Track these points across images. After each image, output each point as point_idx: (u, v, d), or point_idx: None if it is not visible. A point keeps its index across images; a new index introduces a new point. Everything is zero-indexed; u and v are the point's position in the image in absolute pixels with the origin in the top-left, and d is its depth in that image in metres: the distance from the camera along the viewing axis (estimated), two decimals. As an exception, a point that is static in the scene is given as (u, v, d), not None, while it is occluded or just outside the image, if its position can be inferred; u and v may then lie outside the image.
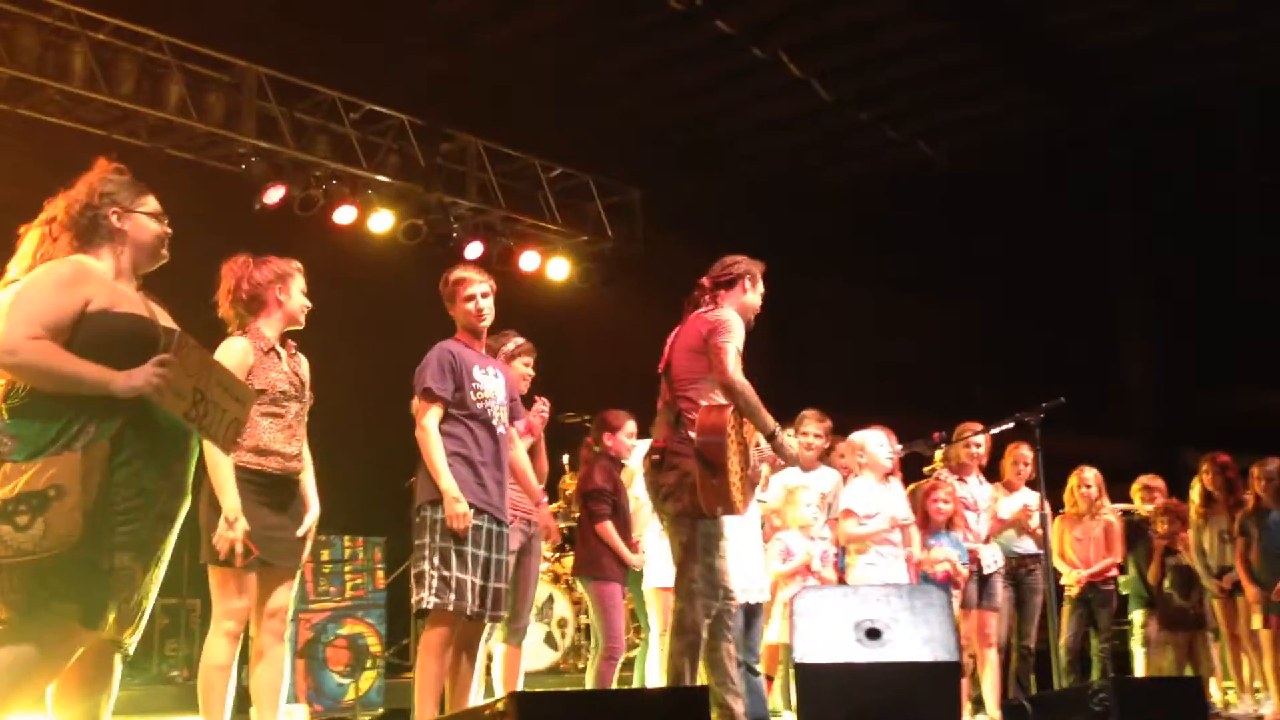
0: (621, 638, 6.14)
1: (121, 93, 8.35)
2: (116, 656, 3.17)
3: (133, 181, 3.34)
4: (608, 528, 6.12)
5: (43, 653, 2.97)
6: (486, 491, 4.66)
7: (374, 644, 6.65)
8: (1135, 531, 8.00)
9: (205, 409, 3.12)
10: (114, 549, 3.01)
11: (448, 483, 4.55)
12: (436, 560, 4.53)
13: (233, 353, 4.27)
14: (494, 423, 4.77)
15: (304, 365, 4.57)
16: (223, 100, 8.83)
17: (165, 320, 3.32)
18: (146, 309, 3.24)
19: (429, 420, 4.65)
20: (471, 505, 4.58)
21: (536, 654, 7.65)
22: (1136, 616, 7.94)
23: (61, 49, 8.12)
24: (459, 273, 4.91)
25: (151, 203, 3.34)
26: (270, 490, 4.30)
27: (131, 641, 3.15)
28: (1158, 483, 8.13)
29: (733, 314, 4.98)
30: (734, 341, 4.86)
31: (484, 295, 4.84)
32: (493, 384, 4.82)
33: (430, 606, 4.53)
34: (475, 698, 4.79)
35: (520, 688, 5.70)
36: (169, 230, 3.37)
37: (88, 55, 8.15)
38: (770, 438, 4.92)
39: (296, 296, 4.48)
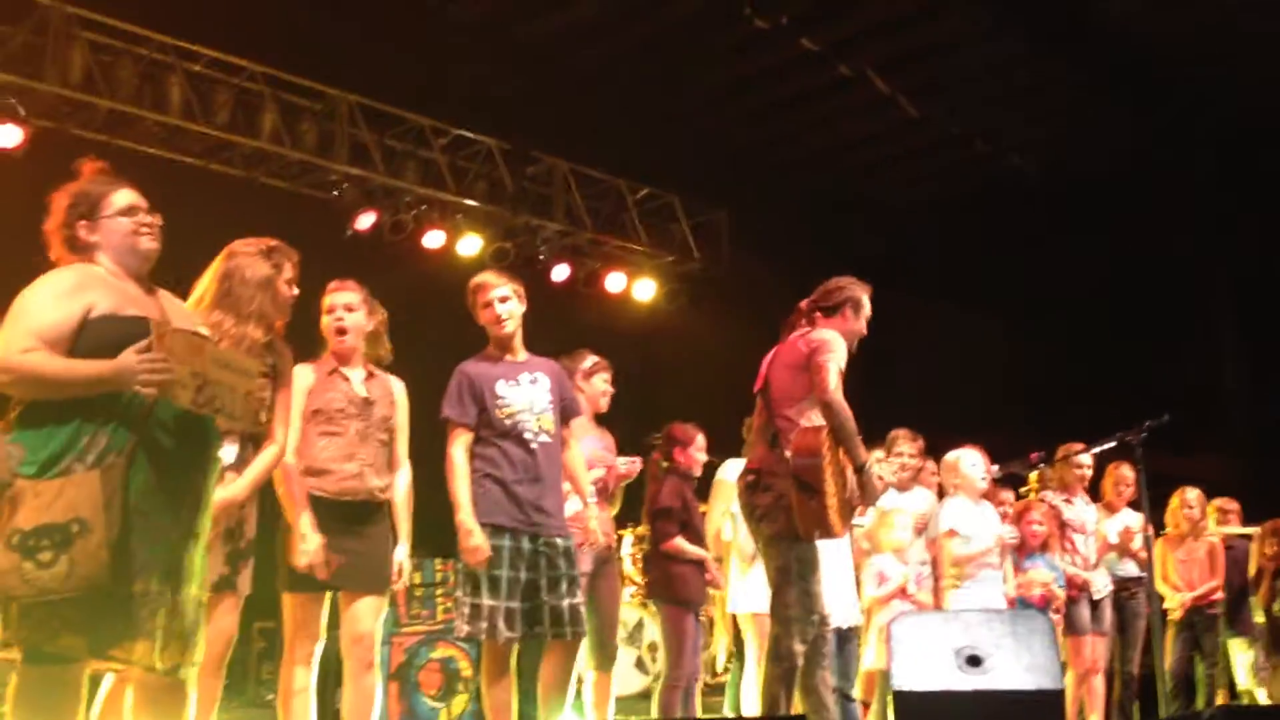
0: (688, 664, 5.93)
1: (217, 123, 8.54)
2: (188, 686, 3.10)
3: (98, 182, 3.23)
4: (679, 543, 5.95)
5: (50, 685, 2.91)
6: (522, 510, 4.50)
7: (465, 668, 6.65)
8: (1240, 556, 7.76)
9: (212, 392, 3.03)
10: (135, 575, 2.93)
11: (463, 515, 4.44)
12: (468, 587, 4.47)
13: (295, 377, 4.23)
14: (528, 435, 4.58)
15: (383, 385, 4.50)
16: (315, 128, 8.99)
17: (183, 315, 3.26)
18: (158, 308, 3.16)
19: (453, 449, 4.53)
20: (505, 527, 4.47)
21: (627, 679, 7.60)
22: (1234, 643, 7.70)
23: (159, 80, 8.33)
24: (477, 279, 4.76)
25: (118, 200, 3.20)
26: (333, 511, 4.24)
27: (189, 667, 3.07)
28: (1232, 505, 7.88)
29: (836, 335, 4.87)
30: (837, 361, 4.74)
31: (502, 300, 4.66)
32: (524, 394, 4.62)
33: (462, 635, 4.53)
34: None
35: (611, 715, 5.65)
36: (147, 219, 3.22)
37: (184, 86, 8.34)
38: (859, 470, 4.78)
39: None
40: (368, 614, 4.31)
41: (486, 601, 4.41)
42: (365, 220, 9.12)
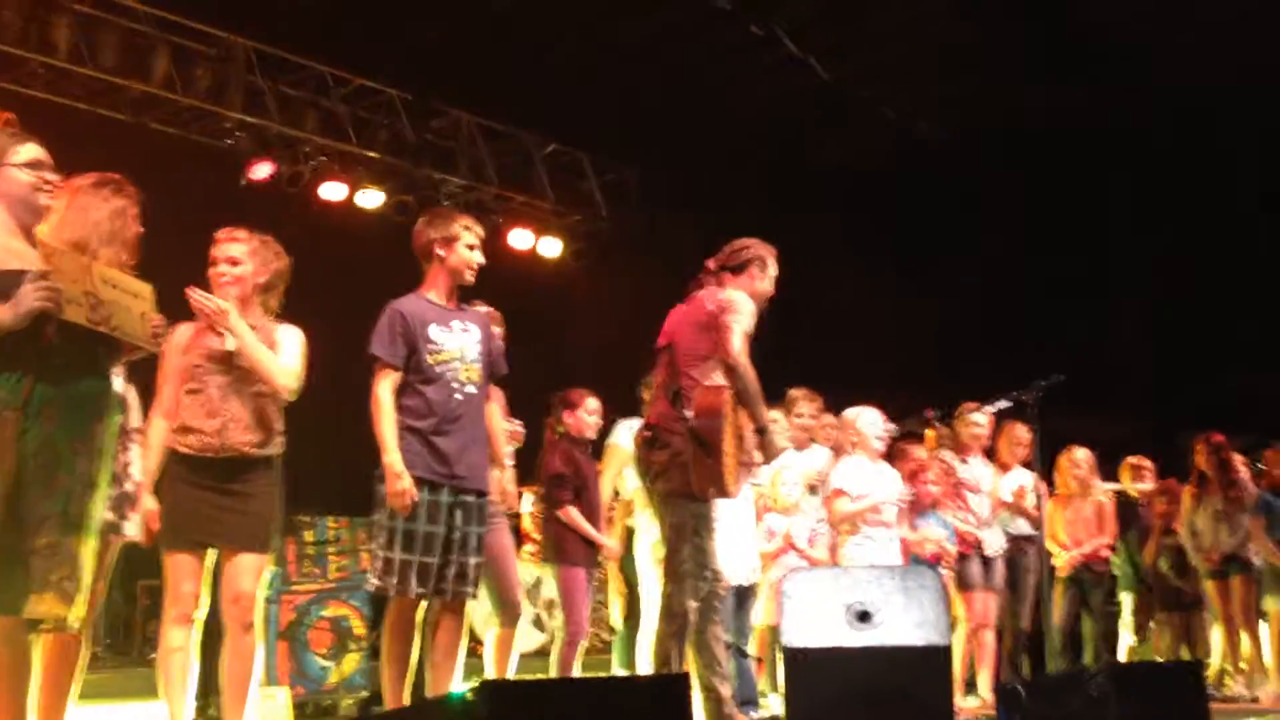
0: (583, 623, 5.96)
1: (105, 66, 8.24)
2: (84, 639, 3.07)
3: (3, 133, 3.20)
4: (570, 513, 5.92)
5: None
6: (445, 462, 4.36)
7: (358, 626, 6.56)
8: (1126, 513, 7.92)
9: (107, 311, 3.01)
10: (37, 527, 2.87)
11: (391, 456, 4.27)
12: (382, 539, 4.34)
13: (171, 336, 4.13)
14: (456, 384, 4.43)
15: (265, 336, 4.26)
16: (209, 74, 8.74)
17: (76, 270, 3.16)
18: (45, 261, 3.07)
19: (380, 389, 4.35)
20: (424, 479, 4.33)
21: (524, 636, 7.55)
22: (1125, 599, 7.88)
23: (44, 22, 8.01)
24: (464, 219, 4.62)
25: (24, 153, 3.17)
26: (202, 468, 4.12)
27: (76, 620, 3.02)
28: (1146, 463, 8.03)
29: (744, 295, 4.83)
30: (743, 323, 4.71)
31: (477, 248, 4.57)
32: (457, 340, 4.48)
33: (370, 589, 4.42)
34: (458, 681, 4.68)
35: (513, 672, 5.60)
36: (50, 177, 3.20)
37: (71, 27, 8.04)
38: (760, 432, 4.78)
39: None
40: (245, 573, 4.16)
41: (400, 555, 4.29)
42: (261, 170, 8.91)
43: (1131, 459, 8.09)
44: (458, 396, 4.44)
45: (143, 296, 3.18)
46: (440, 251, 4.55)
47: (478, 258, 4.59)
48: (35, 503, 2.87)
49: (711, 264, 5.03)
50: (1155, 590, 7.73)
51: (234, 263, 4.30)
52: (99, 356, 3.14)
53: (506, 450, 5.00)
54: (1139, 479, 7.95)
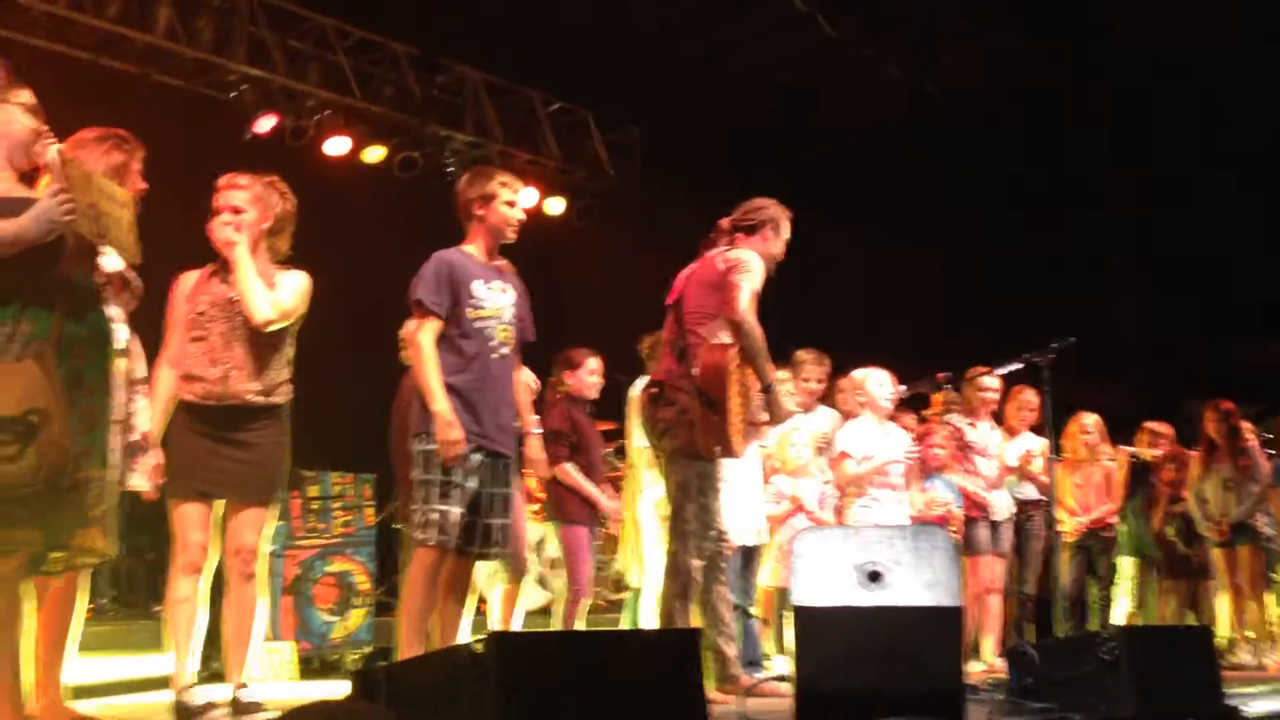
0: (585, 582, 6.01)
1: (109, 15, 8.13)
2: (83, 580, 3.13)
3: (7, 73, 3.26)
4: (567, 469, 5.93)
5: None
6: (479, 422, 4.30)
7: (363, 582, 6.55)
8: (1136, 478, 7.88)
9: (106, 224, 3.01)
10: (80, 462, 2.89)
11: (440, 404, 4.18)
12: (421, 494, 4.27)
13: (177, 284, 4.19)
14: (493, 343, 4.37)
15: (270, 281, 4.23)
16: (213, 25, 8.61)
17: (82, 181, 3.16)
18: (60, 170, 3.09)
19: (423, 337, 4.28)
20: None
21: (528, 594, 7.55)
22: (1124, 564, 7.85)
23: (45, -30, 7.89)
24: (502, 175, 4.55)
25: (25, 95, 3.20)
26: (206, 417, 4.10)
27: (114, 548, 3.08)
28: (1164, 428, 7.97)
29: (754, 255, 4.80)
30: (751, 282, 4.68)
31: (516, 205, 4.51)
32: (497, 299, 4.42)
33: (431, 541, 4.26)
34: (465, 635, 4.66)
35: (518, 627, 5.60)
36: (45, 129, 3.22)
37: (73, -26, 7.93)
38: (766, 389, 4.74)
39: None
40: (247, 525, 4.15)
41: (439, 507, 4.20)
42: (265, 124, 8.82)
43: (1150, 424, 8.00)
44: (493, 356, 4.39)
45: (127, 206, 3.17)
46: (479, 211, 4.48)
47: (517, 214, 4.52)
48: (77, 436, 2.89)
49: (725, 222, 5.01)
50: (1163, 557, 7.71)
51: (237, 211, 4.24)
52: (96, 285, 3.18)
53: (532, 419, 4.96)
54: (1156, 444, 7.88)
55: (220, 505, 4.18)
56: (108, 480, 3.04)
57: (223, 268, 4.24)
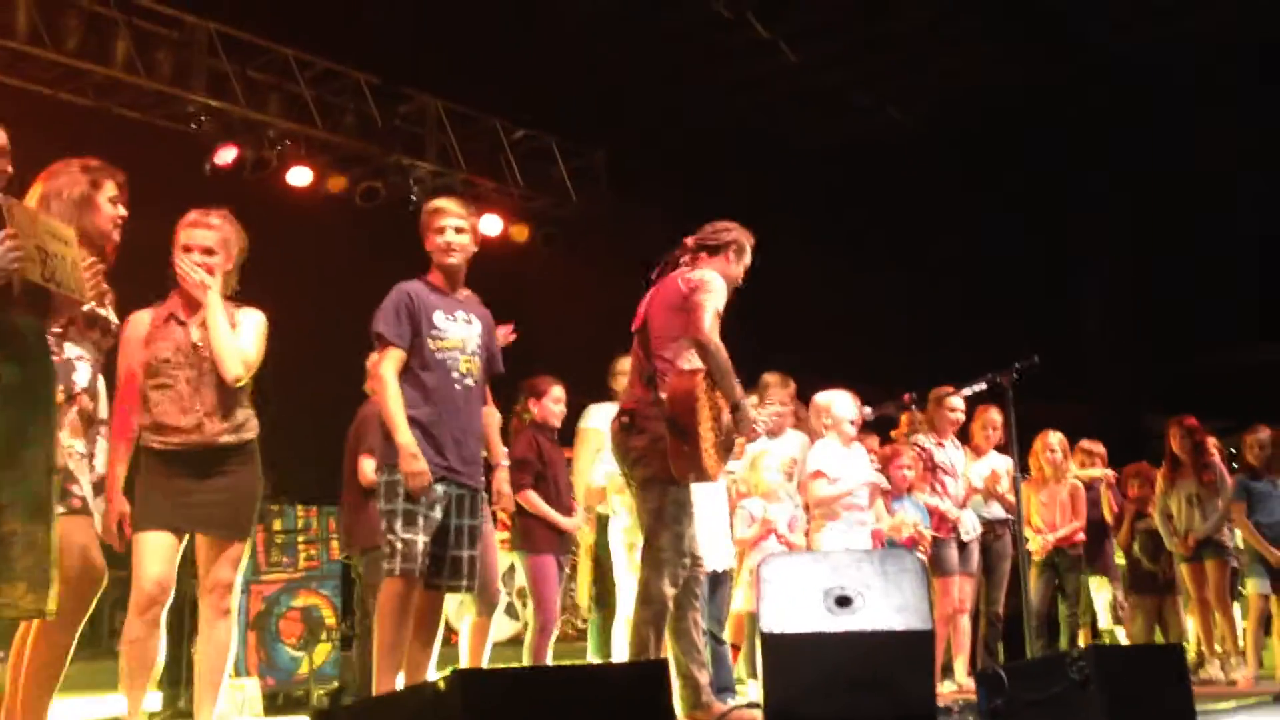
0: (553, 611, 5.98)
1: (66, 49, 8.08)
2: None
3: None
4: (530, 496, 5.90)
5: None
6: (443, 455, 4.27)
7: (329, 616, 6.49)
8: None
9: (53, 266, 2.92)
10: (3, 516, 2.79)
11: (405, 437, 4.16)
12: (384, 524, 4.22)
13: (129, 326, 4.07)
14: (455, 375, 4.33)
15: (231, 317, 4.14)
16: (171, 57, 8.58)
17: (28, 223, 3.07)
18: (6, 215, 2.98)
19: (385, 369, 4.24)
20: None
21: (497, 625, 7.50)
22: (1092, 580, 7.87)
23: (3, 4, 7.84)
24: (436, 202, 4.55)
25: None
26: (180, 461, 4.03)
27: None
28: (1097, 447, 8.02)
29: (716, 275, 4.78)
30: (715, 301, 4.65)
31: (458, 230, 4.44)
32: (460, 330, 4.39)
33: (396, 571, 4.19)
34: (433, 670, 4.60)
35: (487, 661, 5.54)
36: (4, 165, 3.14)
37: (31, 10, 7.87)
38: (735, 409, 4.72)
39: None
40: (225, 561, 4.10)
41: (403, 535, 4.14)
42: (225, 155, 8.76)
43: (1083, 442, 8.05)
44: (456, 388, 4.36)
45: (71, 244, 3.08)
46: (427, 242, 4.49)
47: (452, 238, 4.46)
48: (2, 488, 2.79)
49: (690, 241, 4.98)
50: (1130, 574, 7.74)
51: (208, 251, 4.17)
52: (44, 329, 3.07)
53: (502, 450, 4.92)
54: (1089, 464, 7.93)
55: (184, 540, 4.12)
56: (51, 530, 2.91)
57: (181, 309, 4.17)
